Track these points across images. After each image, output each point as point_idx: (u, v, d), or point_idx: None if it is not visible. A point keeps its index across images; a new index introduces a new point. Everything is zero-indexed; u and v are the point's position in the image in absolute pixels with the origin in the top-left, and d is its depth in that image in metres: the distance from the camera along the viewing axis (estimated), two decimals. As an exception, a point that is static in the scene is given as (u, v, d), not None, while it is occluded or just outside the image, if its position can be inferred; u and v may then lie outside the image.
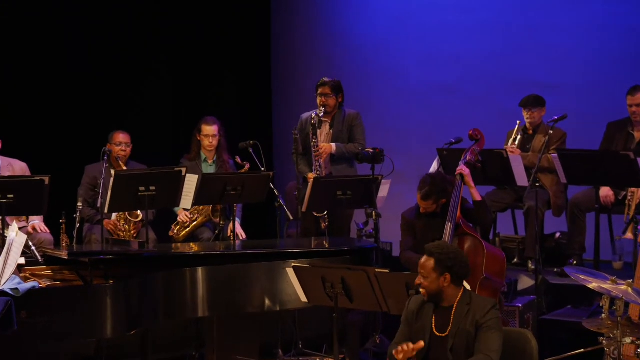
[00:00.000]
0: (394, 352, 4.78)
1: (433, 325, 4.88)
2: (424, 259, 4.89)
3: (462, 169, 6.53)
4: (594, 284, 5.10)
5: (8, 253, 5.83)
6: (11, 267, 5.78)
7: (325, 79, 7.88)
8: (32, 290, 5.64)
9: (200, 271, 6.13)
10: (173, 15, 9.71)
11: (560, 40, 9.07)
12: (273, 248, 6.85)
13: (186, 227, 7.72)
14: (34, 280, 5.93)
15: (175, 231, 7.74)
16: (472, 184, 6.53)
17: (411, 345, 4.72)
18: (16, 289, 5.65)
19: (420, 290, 4.90)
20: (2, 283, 5.67)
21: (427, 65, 9.69)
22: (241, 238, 7.58)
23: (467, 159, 6.65)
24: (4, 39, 8.73)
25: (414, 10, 9.76)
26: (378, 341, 6.90)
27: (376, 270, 5.37)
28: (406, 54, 9.78)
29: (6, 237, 6.64)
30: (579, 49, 9.01)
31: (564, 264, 7.62)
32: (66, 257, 6.24)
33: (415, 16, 9.76)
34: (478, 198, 6.57)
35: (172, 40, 9.75)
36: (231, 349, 6.77)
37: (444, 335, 4.81)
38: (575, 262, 7.52)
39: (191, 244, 7.51)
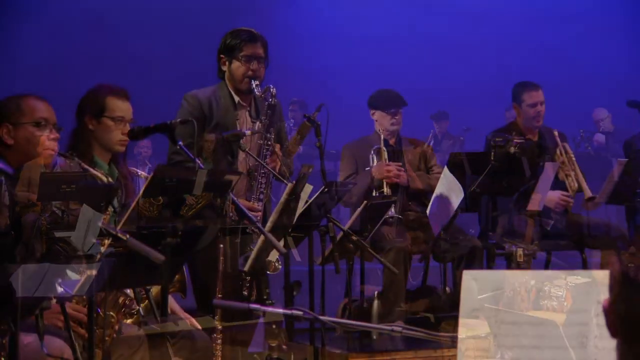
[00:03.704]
0: None
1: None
2: None
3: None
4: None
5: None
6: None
7: None
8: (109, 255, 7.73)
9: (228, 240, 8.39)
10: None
11: (462, 68, 11.24)
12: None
13: (193, 208, 9.91)
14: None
15: (185, 211, 9.88)
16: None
17: None
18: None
19: None
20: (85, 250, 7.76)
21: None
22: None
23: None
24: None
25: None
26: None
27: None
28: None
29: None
30: (477, 71, 11.16)
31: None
32: (134, 231, 8.33)
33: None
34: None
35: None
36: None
37: None
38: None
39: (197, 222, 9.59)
